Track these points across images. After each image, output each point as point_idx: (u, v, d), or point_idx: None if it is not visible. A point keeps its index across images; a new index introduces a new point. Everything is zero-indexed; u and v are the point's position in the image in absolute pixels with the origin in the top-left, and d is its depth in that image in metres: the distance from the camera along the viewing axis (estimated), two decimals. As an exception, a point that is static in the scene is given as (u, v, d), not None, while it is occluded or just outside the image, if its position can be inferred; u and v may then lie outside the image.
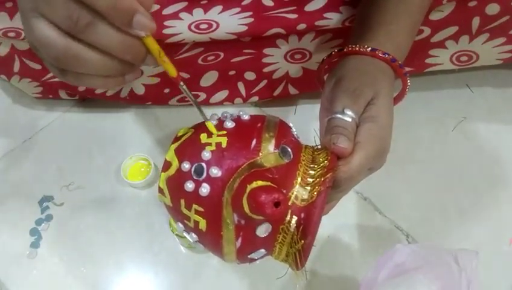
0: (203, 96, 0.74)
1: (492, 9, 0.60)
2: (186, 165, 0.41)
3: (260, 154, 0.40)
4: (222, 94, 0.75)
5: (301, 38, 0.64)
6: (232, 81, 0.73)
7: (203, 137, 0.42)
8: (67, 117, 0.78)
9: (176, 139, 0.44)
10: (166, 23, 0.57)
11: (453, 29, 0.64)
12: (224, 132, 0.41)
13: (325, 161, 0.41)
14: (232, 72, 0.71)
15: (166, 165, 0.43)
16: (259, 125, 0.42)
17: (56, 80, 0.69)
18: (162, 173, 0.43)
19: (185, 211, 0.41)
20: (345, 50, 0.50)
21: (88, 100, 0.79)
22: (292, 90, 0.75)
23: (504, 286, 0.63)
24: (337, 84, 0.47)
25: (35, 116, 0.78)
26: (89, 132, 0.77)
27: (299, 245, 0.40)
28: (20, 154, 0.75)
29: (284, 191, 0.39)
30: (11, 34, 0.60)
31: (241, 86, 0.74)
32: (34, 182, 0.72)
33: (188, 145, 0.42)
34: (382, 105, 0.46)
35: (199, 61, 0.67)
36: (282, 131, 0.42)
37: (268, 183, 0.38)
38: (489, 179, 0.71)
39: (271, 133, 0.41)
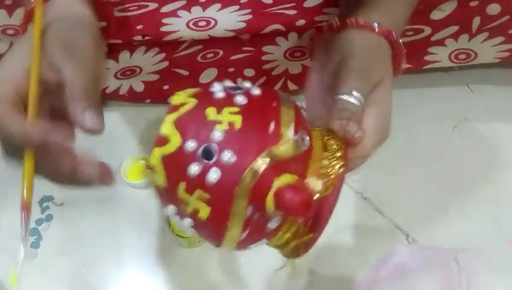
0: None
1: (493, 9, 0.60)
2: (191, 144, 0.35)
3: (280, 140, 0.35)
4: None
5: (301, 36, 0.64)
6: (231, 78, 0.73)
7: (211, 112, 0.36)
8: (67, 117, 0.78)
9: (173, 108, 0.38)
10: (164, 20, 0.57)
11: (454, 29, 0.64)
12: (237, 109, 0.36)
13: (338, 150, 0.39)
14: (231, 69, 0.71)
15: (162, 140, 0.37)
16: (275, 104, 0.38)
17: None
18: (156, 149, 0.37)
19: (184, 195, 0.36)
20: (347, 22, 0.47)
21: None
22: (291, 86, 0.75)
23: (504, 286, 0.63)
24: (343, 63, 0.45)
25: (35, 116, 0.78)
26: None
27: (306, 238, 0.37)
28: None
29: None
30: (10, 32, 0.60)
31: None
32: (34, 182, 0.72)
33: (192, 120, 0.37)
34: (387, 88, 0.45)
35: (198, 58, 0.67)
36: (298, 113, 0.38)
37: (295, 179, 0.35)
38: (490, 179, 0.71)
39: (289, 114, 0.37)
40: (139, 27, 0.58)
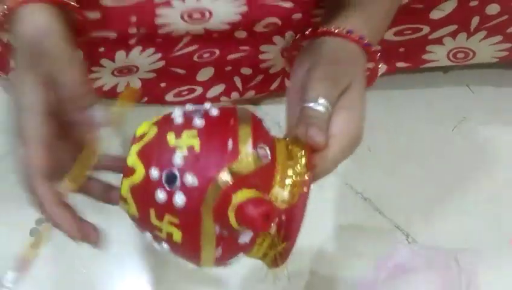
0: (199, 90, 0.74)
1: (493, 9, 0.60)
2: (154, 172, 0.37)
3: (239, 157, 0.36)
4: (219, 88, 0.75)
5: (298, 34, 0.64)
6: (228, 76, 0.73)
7: (171, 138, 0.38)
8: (67, 117, 0.78)
9: (137, 139, 0.40)
10: (157, 11, 0.57)
11: (452, 28, 0.64)
12: (195, 132, 0.38)
13: (302, 158, 0.39)
14: (228, 68, 0.71)
15: (129, 171, 0.39)
16: (232, 122, 0.39)
17: None
18: (124, 179, 0.39)
19: (156, 222, 0.38)
20: (319, 30, 0.48)
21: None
22: (289, 84, 0.75)
23: (504, 286, 0.63)
24: (311, 70, 0.45)
25: (35, 116, 0.78)
26: (89, 132, 0.77)
27: (280, 248, 0.38)
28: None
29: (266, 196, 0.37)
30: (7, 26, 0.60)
31: (237, 80, 0.74)
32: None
33: (154, 148, 0.38)
34: (356, 94, 0.45)
35: (195, 58, 0.67)
36: (256, 126, 0.39)
37: (255, 192, 0.36)
38: (490, 179, 0.71)
39: (246, 130, 0.38)
40: (133, 19, 0.57)
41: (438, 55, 0.69)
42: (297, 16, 0.59)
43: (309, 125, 0.41)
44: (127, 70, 0.68)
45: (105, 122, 0.43)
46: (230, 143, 0.37)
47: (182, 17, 0.58)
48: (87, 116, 0.42)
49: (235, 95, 0.76)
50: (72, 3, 0.46)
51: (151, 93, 0.75)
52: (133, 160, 0.39)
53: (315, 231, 0.67)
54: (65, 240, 0.68)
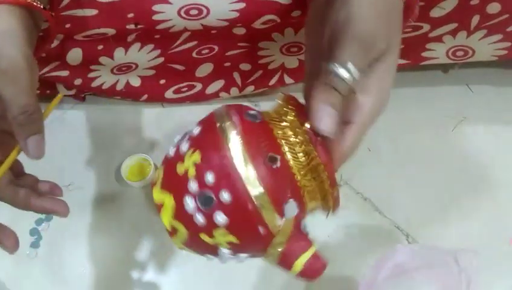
0: (199, 86, 0.74)
1: (493, 8, 0.60)
2: (188, 200, 0.38)
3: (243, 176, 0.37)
4: (218, 84, 0.75)
5: (297, 32, 0.64)
6: (227, 72, 0.73)
7: (179, 167, 0.40)
8: (67, 117, 0.78)
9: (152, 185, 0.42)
10: (154, 8, 0.56)
11: (452, 26, 0.64)
12: (191, 151, 0.39)
13: (301, 135, 0.38)
14: (227, 64, 0.71)
15: (159, 207, 0.41)
16: (215, 129, 0.39)
17: (52, 74, 0.69)
18: (162, 215, 0.41)
19: (209, 239, 0.39)
20: None
21: (88, 100, 0.79)
22: (288, 80, 0.75)
23: (504, 286, 0.63)
24: (347, 23, 0.38)
25: (35, 116, 0.78)
26: (89, 132, 0.77)
27: (334, 193, 0.40)
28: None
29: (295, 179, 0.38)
30: None
31: (236, 76, 0.74)
32: (34, 182, 0.72)
33: (171, 179, 0.41)
34: (391, 63, 0.40)
35: (193, 54, 0.67)
36: (245, 129, 0.39)
37: (312, 253, 0.40)
38: (489, 179, 0.71)
39: (234, 136, 0.38)
40: (130, 15, 0.57)
41: (437, 53, 0.69)
42: (297, 13, 0.59)
43: (324, 104, 0.38)
44: (126, 67, 0.68)
45: (35, 158, 0.43)
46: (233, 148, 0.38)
47: (179, 13, 0.58)
48: (22, 143, 0.42)
49: (234, 90, 0.76)
50: (38, 5, 0.43)
51: (151, 90, 0.75)
52: (158, 195, 0.41)
53: (315, 231, 0.67)
54: (65, 240, 0.69)
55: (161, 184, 0.41)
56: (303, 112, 0.40)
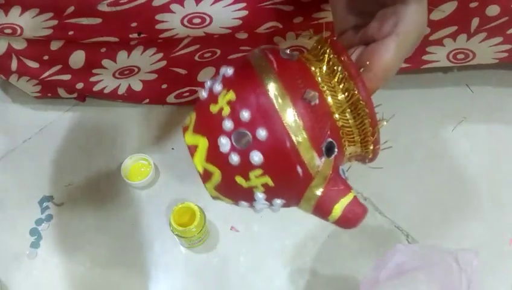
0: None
1: (493, 10, 0.60)
2: (223, 140, 0.36)
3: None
4: None
5: (298, 36, 0.64)
6: None
7: (213, 107, 0.37)
8: (67, 117, 0.78)
9: (185, 129, 0.40)
10: (157, 17, 0.57)
11: (452, 29, 0.64)
12: (225, 91, 0.37)
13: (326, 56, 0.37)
14: None
15: (193, 149, 0.38)
16: (252, 71, 0.38)
17: (54, 78, 0.69)
18: (195, 157, 0.38)
19: (244, 183, 0.37)
20: None
21: (88, 101, 0.79)
22: None
23: (504, 286, 0.63)
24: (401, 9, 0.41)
25: (35, 116, 0.78)
26: (89, 132, 0.77)
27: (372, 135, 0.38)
28: (20, 154, 0.75)
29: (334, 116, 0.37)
30: (8, 31, 0.60)
31: None
32: (33, 182, 0.72)
33: (203, 120, 0.38)
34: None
35: (196, 58, 0.67)
36: (281, 69, 0.37)
37: (352, 197, 0.37)
38: (489, 179, 0.71)
39: (270, 71, 0.37)
40: (133, 24, 0.57)
41: (438, 56, 0.69)
42: (299, 19, 0.59)
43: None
44: (128, 71, 0.68)
45: None
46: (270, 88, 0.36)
47: (182, 22, 0.58)
48: None
49: None
50: None
51: (153, 95, 0.75)
52: (190, 138, 0.38)
53: (315, 231, 0.67)
54: (65, 240, 0.69)
55: (193, 127, 0.38)
56: (339, 48, 0.38)
